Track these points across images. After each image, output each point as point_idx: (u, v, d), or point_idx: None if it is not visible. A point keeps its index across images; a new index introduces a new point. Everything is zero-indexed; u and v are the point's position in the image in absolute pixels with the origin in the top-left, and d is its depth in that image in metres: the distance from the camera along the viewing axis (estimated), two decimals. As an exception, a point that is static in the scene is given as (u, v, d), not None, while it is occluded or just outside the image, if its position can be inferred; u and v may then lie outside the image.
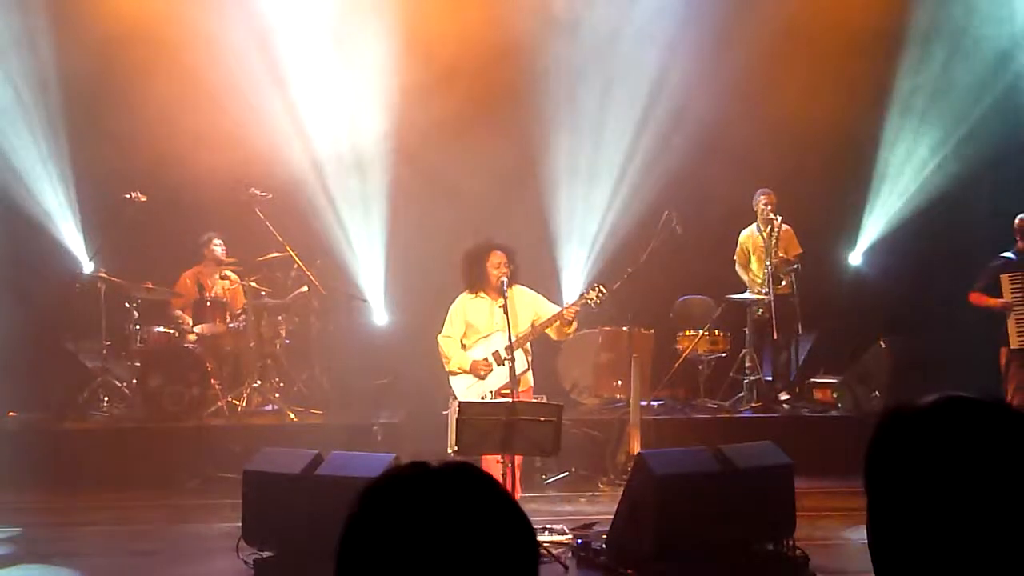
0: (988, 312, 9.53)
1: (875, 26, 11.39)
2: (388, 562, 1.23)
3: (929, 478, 1.36)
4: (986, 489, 1.34)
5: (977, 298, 9.58)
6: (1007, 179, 10.97)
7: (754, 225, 10.93)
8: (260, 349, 10.46)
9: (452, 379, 7.82)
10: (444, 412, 7.60)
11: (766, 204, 10.76)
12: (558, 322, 7.76)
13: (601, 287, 7.96)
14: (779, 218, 10.68)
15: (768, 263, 10.58)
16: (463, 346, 7.85)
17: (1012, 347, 9.39)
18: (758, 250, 10.87)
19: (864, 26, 11.35)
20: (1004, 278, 9.42)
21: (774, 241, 10.66)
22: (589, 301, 7.92)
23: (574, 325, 7.91)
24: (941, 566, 1.35)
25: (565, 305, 8.28)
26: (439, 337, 7.90)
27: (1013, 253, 9.51)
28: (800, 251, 10.81)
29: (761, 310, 10.64)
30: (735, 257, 11.06)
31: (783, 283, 10.65)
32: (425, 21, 11.14)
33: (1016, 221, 9.54)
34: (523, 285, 7.99)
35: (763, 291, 10.64)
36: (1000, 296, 9.46)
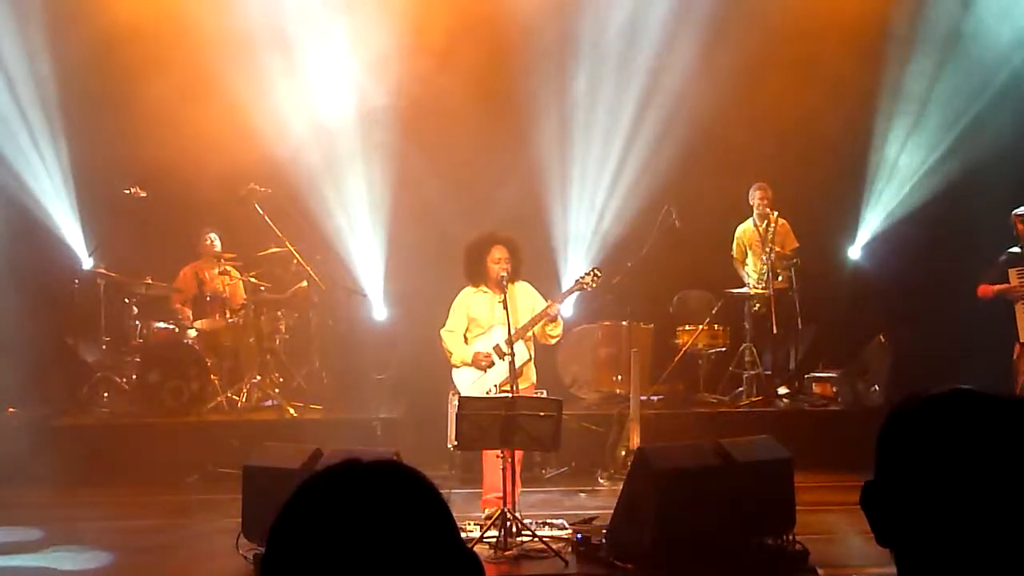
0: (993, 306, 9.51)
1: (873, 20, 11.39)
2: (309, 555, 1.26)
3: (937, 467, 1.40)
4: (992, 479, 1.38)
5: (984, 289, 9.56)
6: (1007, 172, 10.96)
7: (750, 220, 10.94)
8: (259, 344, 10.47)
9: (455, 373, 7.80)
10: (448, 404, 7.56)
11: (761, 199, 10.78)
12: (543, 320, 7.70)
13: (596, 270, 7.97)
14: (775, 213, 10.70)
15: (765, 258, 10.60)
16: (466, 340, 7.84)
17: (1022, 341, 9.37)
18: (754, 245, 10.88)
19: (862, 20, 11.35)
20: (1012, 272, 9.40)
21: (770, 235, 10.68)
22: (585, 286, 7.92)
23: (559, 326, 7.87)
24: (948, 550, 1.38)
25: (562, 291, 8.31)
26: (442, 331, 7.88)
27: (1020, 247, 9.50)
28: (797, 245, 10.83)
29: (759, 305, 10.65)
30: (732, 253, 11.06)
31: (780, 278, 10.66)
32: (422, 9, 11.14)
33: (1012, 216, 9.54)
34: (526, 281, 7.97)
35: (760, 285, 10.66)
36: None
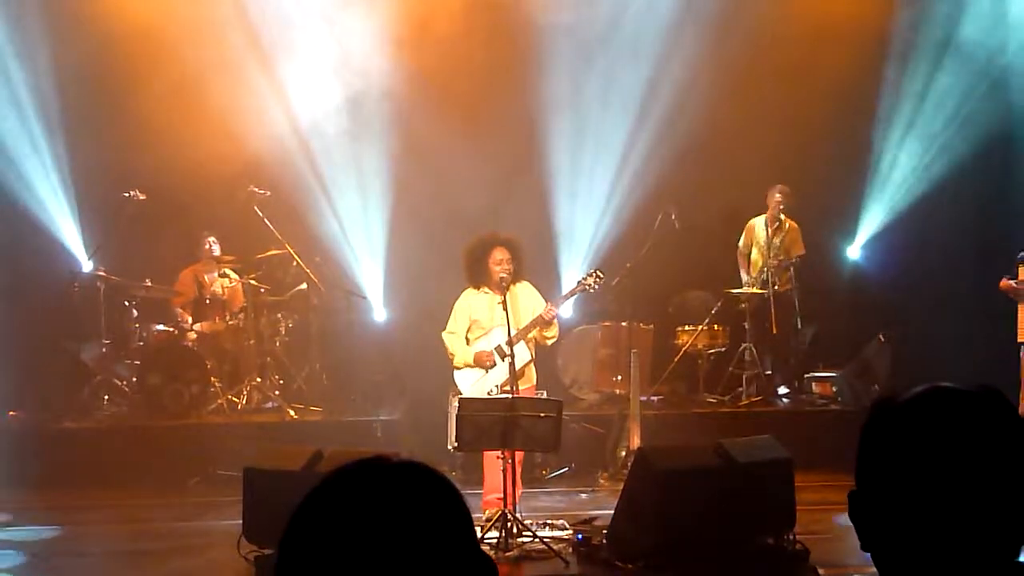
0: (991, 305, 9.50)
1: (871, 22, 11.41)
2: (329, 549, 1.26)
3: (914, 466, 1.41)
4: (967, 474, 1.39)
5: (1004, 283, 9.52)
6: (1007, 172, 10.97)
7: (763, 217, 10.91)
8: (259, 346, 10.47)
9: (456, 375, 7.81)
10: (448, 405, 7.56)
11: (779, 202, 10.73)
12: (539, 325, 7.72)
13: (598, 272, 8.01)
14: (789, 223, 10.70)
15: (769, 259, 10.61)
16: (468, 341, 7.85)
17: (1019, 340, 9.34)
18: (760, 244, 10.88)
19: (861, 22, 11.37)
20: (1022, 268, 9.36)
21: (778, 241, 10.69)
22: (588, 287, 7.94)
23: (554, 329, 7.87)
24: (927, 552, 1.39)
25: (563, 293, 8.33)
26: (443, 334, 7.88)
27: None
28: (803, 252, 10.82)
29: (755, 305, 10.66)
30: (739, 244, 11.05)
31: (779, 281, 10.67)
32: (422, 9, 11.15)
33: None
34: (528, 282, 7.98)
35: (757, 286, 10.68)
36: None
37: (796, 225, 10.77)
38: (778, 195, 10.74)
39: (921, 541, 1.39)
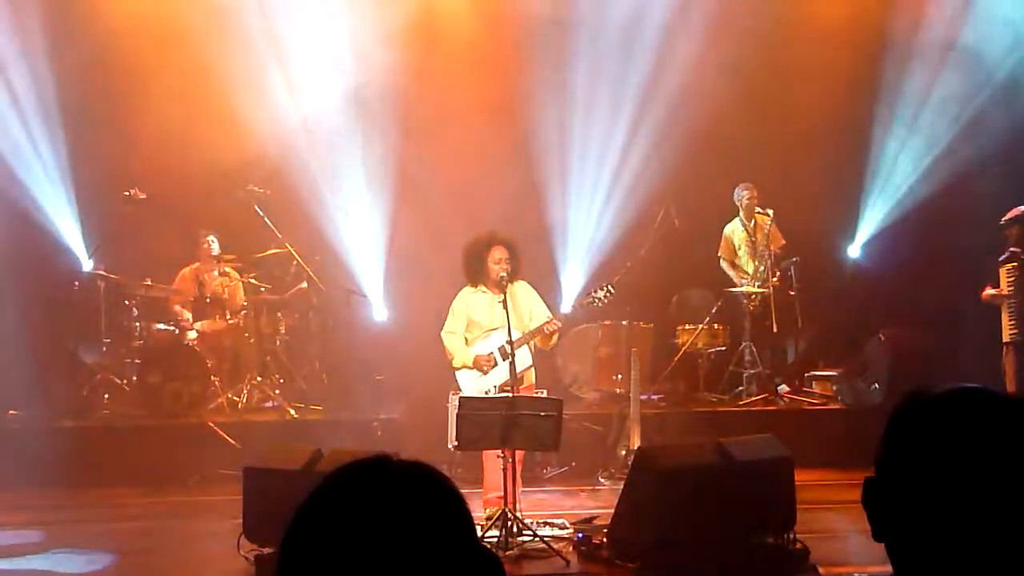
0: (988, 304, 9.53)
1: (871, 21, 11.41)
2: (332, 549, 1.26)
3: (943, 462, 1.42)
4: (994, 475, 1.40)
5: (986, 294, 9.58)
6: (1008, 171, 10.96)
7: (737, 220, 10.94)
8: (260, 345, 10.48)
9: (458, 374, 7.81)
10: (448, 404, 7.56)
11: (750, 198, 10.79)
12: (540, 335, 7.74)
13: (610, 287, 8.01)
14: (771, 212, 10.70)
15: (767, 256, 10.61)
16: (466, 341, 7.85)
17: (1004, 340, 9.39)
18: (746, 244, 10.89)
19: (861, 21, 11.36)
20: (1002, 270, 9.42)
21: (760, 236, 10.69)
22: (597, 301, 7.96)
23: (554, 338, 7.89)
24: (947, 548, 1.40)
25: (574, 301, 8.36)
26: (442, 333, 7.88)
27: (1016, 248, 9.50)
28: (784, 242, 10.85)
29: (757, 303, 10.65)
30: (719, 254, 11.05)
31: (777, 276, 10.67)
32: (422, 9, 11.15)
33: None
34: (525, 281, 7.98)
35: (756, 284, 10.68)
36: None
37: (770, 217, 10.74)
38: (746, 192, 10.81)
39: (942, 537, 1.40)
